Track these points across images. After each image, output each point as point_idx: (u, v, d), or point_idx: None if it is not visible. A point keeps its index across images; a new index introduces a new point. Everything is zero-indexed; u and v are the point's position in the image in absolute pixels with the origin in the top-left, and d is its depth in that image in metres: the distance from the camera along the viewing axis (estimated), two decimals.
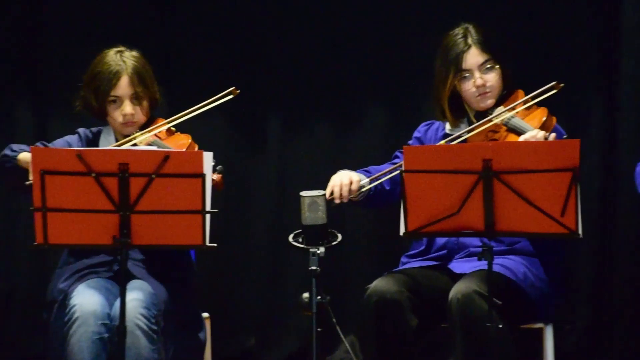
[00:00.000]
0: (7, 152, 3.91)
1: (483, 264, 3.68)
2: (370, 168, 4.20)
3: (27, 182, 3.65)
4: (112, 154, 3.52)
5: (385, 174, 4.09)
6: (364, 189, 4.04)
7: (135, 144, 3.95)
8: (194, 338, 3.98)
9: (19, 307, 5.34)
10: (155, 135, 4.02)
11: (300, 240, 3.70)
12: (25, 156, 3.85)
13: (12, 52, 5.32)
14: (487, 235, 3.63)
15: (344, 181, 4.01)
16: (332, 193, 3.98)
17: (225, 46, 5.37)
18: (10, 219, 5.34)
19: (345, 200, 4.01)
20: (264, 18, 5.36)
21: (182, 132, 4.13)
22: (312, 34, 5.37)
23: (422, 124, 4.33)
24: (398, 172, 3.76)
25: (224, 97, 4.03)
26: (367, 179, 4.07)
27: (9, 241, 5.35)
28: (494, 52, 4.15)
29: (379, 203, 4.14)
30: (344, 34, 5.36)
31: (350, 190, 4.01)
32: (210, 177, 3.58)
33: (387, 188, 4.12)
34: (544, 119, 4.03)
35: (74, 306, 3.76)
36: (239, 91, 4.04)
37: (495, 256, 3.65)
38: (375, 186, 4.08)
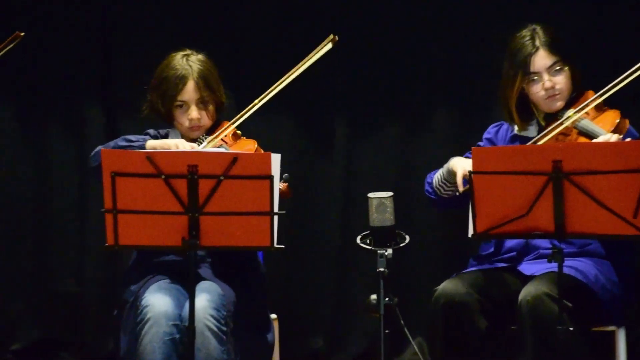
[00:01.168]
0: (122, 142, 3.92)
1: (553, 266, 3.64)
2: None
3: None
4: (182, 156, 3.54)
5: None
6: None
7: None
8: (263, 339, 3.99)
9: (90, 308, 5.40)
10: (222, 140, 4.03)
11: (368, 241, 3.69)
12: (151, 143, 3.88)
13: (84, 54, 5.39)
14: (557, 237, 3.59)
15: (467, 168, 3.86)
16: (465, 181, 3.88)
17: (293, 48, 5.38)
18: (81, 221, 5.41)
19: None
20: (334, 19, 5.36)
21: (249, 135, 4.14)
22: (380, 35, 5.36)
23: (492, 126, 4.29)
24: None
25: (324, 47, 3.99)
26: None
27: (81, 243, 5.42)
28: (563, 53, 4.10)
29: (454, 204, 4.09)
30: (412, 35, 5.34)
31: None
32: (278, 178, 3.59)
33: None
34: (617, 121, 3.97)
35: (145, 307, 3.79)
36: (336, 38, 4.00)
37: (565, 258, 3.61)
38: None
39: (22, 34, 4.10)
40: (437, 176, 4.10)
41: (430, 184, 4.12)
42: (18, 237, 5.40)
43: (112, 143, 3.96)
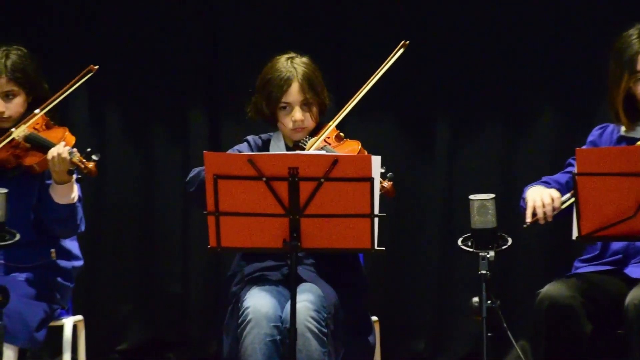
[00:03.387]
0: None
1: None
2: (545, 179, 4.09)
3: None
4: (282, 159, 3.56)
5: None
6: (564, 205, 3.85)
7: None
8: (364, 341, 3.99)
9: (195, 310, 5.47)
10: (325, 141, 4.05)
11: (470, 244, 3.66)
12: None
13: (189, 58, 5.47)
14: None
15: (546, 200, 3.85)
16: (534, 214, 3.86)
17: (391, 49, 5.37)
18: (185, 223, 5.48)
19: (550, 220, 3.85)
20: (433, 21, 5.35)
21: (352, 137, 4.15)
22: (484, 35, 5.32)
23: (596, 128, 4.22)
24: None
25: (394, 52, 4.01)
26: (568, 194, 3.85)
27: (184, 245, 5.49)
28: None
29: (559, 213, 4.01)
30: (514, 35, 5.29)
31: (554, 209, 3.86)
32: (378, 180, 3.58)
33: None
34: None
35: (246, 309, 3.82)
36: (406, 43, 4.01)
37: None
38: None
39: (97, 67, 4.18)
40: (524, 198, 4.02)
41: (524, 199, 4.03)
42: (125, 239, 5.51)
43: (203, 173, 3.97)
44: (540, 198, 3.86)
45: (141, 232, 5.50)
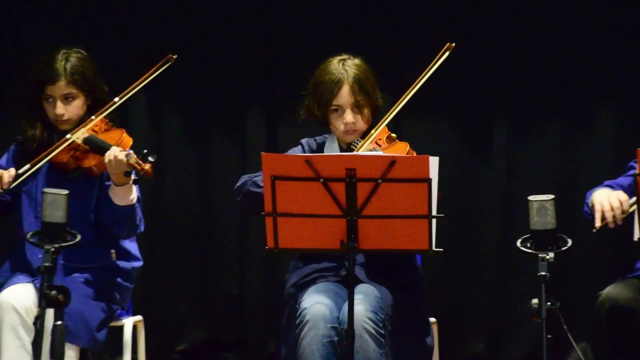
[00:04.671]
0: (253, 188, 3.93)
1: None
2: (608, 182, 4.03)
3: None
4: (340, 160, 3.56)
5: None
6: (632, 208, 3.76)
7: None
8: (422, 342, 3.97)
9: (251, 311, 5.49)
10: (376, 142, 4.04)
11: (529, 245, 3.63)
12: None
13: (246, 61, 5.48)
14: None
15: (614, 203, 3.78)
16: (603, 218, 3.79)
17: (452, 52, 5.35)
18: (242, 224, 5.50)
19: (620, 223, 3.75)
20: (489, 20, 5.32)
21: (408, 137, 4.13)
22: (539, 33, 5.28)
23: None
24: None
25: (440, 55, 4.00)
26: (635, 198, 3.76)
27: (242, 246, 5.51)
28: None
29: None
30: (573, 34, 5.25)
31: (623, 212, 3.77)
32: (436, 181, 3.57)
33: None
34: None
35: (304, 310, 3.83)
36: (452, 45, 3.98)
37: None
38: None
39: (175, 56, 4.21)
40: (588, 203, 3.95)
41: (589, 204, 3.97)
42: (183, 240, 5.54)
43: (250, 182, 3.97)
44: (608, 202, 3.78)
45: (199, 233, 5.53)
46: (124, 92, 4.20)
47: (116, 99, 4.19)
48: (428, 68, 4.02)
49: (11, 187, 4.10)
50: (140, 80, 4.21)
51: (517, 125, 5.33)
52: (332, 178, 3.54)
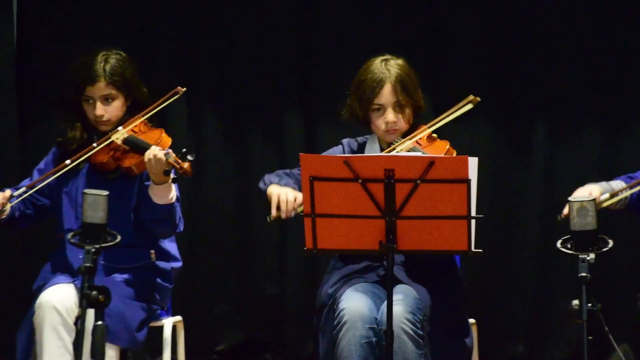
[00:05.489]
0: (260, 185, 4.04)
1: None
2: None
3: (268, 218, 3.84)
4: (378, 160, 3.56)
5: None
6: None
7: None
8: (461, 343, 3.96)
9: (290, 311, 5.50)
10: (416, 142, 4.03)
11: (569, 246, 3.60)
12: (270, 190, 3.95)
13: (284, 60, 5.48)
14: None
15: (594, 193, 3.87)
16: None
17: (488, 50, 5.33)
18: (281, 225, 5.50)
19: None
20: (528, 20, 5.29)
21: (447, 138, 4.12)
22: (578, 33, 5.25)
23: None
24: None
25: (464, 106, 4.00)
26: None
27: (280, 246, 5.52)
28: None
29: None
30: (613, 34, 5.20)
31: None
32: (475, 182, 3.55)
33: None
34: None
35: (342, 310, 3.83)
36: (477, 99, 3.98)
37: None
38: None
39: (184, 89, 4.23)
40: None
41: None
42: (222, 241, 5.55)
43: (273, 175, 4.05)
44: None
45: (238, 234, 5.54)
46: (146, 110, 4.22)
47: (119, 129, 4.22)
48: (447, 114, 3.98)
49: (5, 208, 4.13)
50: (151, 108, 4.23)
51: (556, 126, 5.30)
52: (371, 179, 3.54)
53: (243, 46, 5.48)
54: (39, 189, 4.20)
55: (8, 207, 4.14)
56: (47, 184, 4.21)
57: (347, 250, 3.80)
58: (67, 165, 4.16)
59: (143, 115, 4.21)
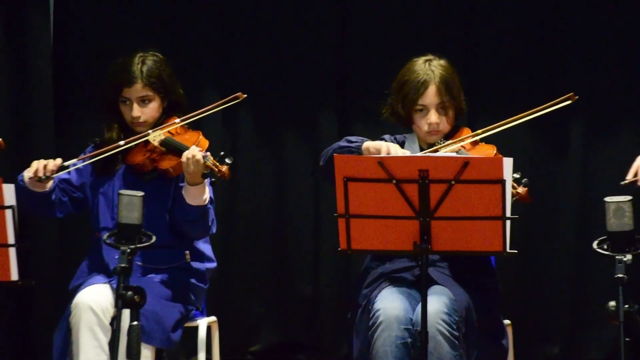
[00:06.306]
0: (344, 143, 4.01)
1: None
2: None
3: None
4: (412, 161, 3.55)
5: None
6: None
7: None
8: (497, 344, 3.94)
9: (324, 311, 5.50)
10: (462, 146, 4.02)
11: (606, 247, 3.58)
12: (367, 145, 3.93)
13: (319, 61, 5.49)
14: None
15: None
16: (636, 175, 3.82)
17: (528, 52, 5.31)
18: (316, 225, 5.51)
19: None
20: (567, 20, 5.26)
21: (488, 142, 4.11)
22: (616, 34, 5.21)
23: None
24: None
25: (561, 101, 3.98)
26: None
27: (315, 247, 5.52)
28: None
29: None
30: None
31: None
32: (510, 182, 3.53)
33: None
34: None
35: (377, 311, 3.82)
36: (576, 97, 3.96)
37: None
38: None
39: (245, 95, 4.24)
40: None
41: None
42: (257, 241, 5.56)
43: (335, 145, 4.03)
44: None
45: (272, 234, 5.55)
46: (188, 116, 4.24)
47: (177, 120, 4.22)
48: (543, 107, 3.98)
49: (54, 175, 4.14)
50: (207, 108, 4.25)
51: (593, 125, 5.27)
52: (405, 179, 3.53)
53: (278, 46, 5.49)
54: (76, 179, 4.22)
55: (55, 176, 4.15)
56: (84, 182, 4.23)
57: (381, 251, 3.80)
58: (120, 146, 4.18)
59: (196, 115, 4.22)
